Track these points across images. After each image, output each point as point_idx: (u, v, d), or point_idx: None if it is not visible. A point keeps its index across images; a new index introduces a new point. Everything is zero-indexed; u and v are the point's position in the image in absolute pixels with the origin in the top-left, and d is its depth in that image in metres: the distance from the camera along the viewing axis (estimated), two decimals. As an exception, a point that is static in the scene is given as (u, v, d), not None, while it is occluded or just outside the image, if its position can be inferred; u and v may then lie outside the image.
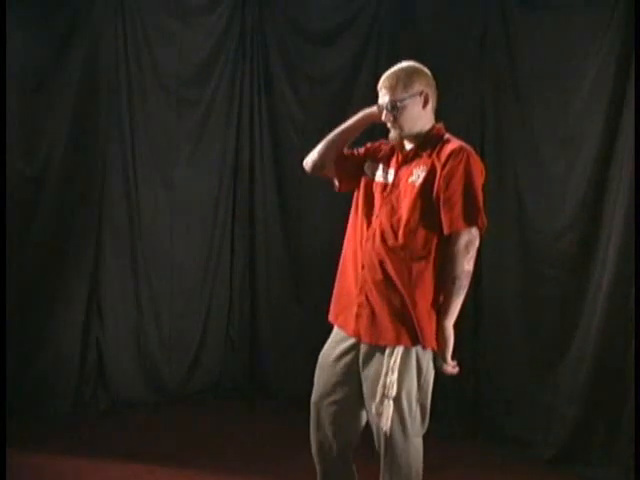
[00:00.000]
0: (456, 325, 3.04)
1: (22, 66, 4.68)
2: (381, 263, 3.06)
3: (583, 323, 4.38)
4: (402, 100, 3.06)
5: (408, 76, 3.08)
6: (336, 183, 3.35)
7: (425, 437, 3.10)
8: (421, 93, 3.07)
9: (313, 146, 5.62)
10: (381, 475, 3.13)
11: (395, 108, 3.06)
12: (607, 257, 4.24)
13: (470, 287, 3.08)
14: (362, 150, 3.31)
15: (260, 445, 4.64)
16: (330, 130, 3.31)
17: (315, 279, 5.58)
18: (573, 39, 4.48)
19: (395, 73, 3.11)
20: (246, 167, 5.58)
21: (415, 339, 3.02)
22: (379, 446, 3.09)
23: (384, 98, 3.10)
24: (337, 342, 3.21)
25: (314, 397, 3.26)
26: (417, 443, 3.09)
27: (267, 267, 5.67)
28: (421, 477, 3.14)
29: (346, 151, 3.33)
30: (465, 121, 4.78)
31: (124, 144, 5.08)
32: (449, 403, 4.79)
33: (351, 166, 3.28)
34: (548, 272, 4.58)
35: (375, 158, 3.24)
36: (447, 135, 3.13)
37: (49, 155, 4.84)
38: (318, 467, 3.29)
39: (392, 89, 3.07)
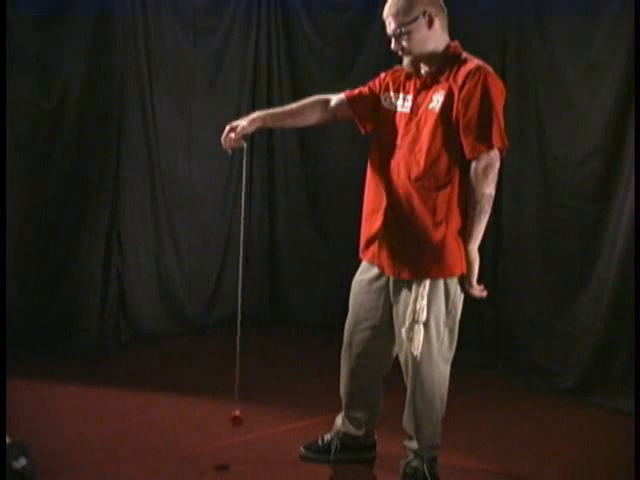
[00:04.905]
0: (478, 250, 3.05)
1: (37, 1, 4.60)
2: (406, 195, 3.04)
3: (604, 253, 4.34)
4: (406, 25, 3.00)
5: (407, 0, 3.02)
6: (359, 125, 3.31)
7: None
8: (424, 14, 3.00)
9: (330, 74, 5.57)
10: (407, 400, 3.18)
11: (401, 35, 3.02)
12: (629, 186, 4.16)
13: (490, 217, 3.06)
14: (376, 83, 3.26)
15: (278, 374, 4.70)
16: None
17: (333, 210, 5.59)
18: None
19: (394, 0, 3.05)
20: (264, 97, 5.50)
21: (440, 271, 3.02)
22: (406, 371, 3.13)
23: (390, 27, 3.06)
24: (368, 268, 3.23)
25: (348, 323, 3.30)
26: (444, 370, 3.12)
27: (286, 198, 5.67)
28: (445, 404, 3.19)
29: (359, 90, 3.28)
30: (487, 43, 4.64)
31: (141, 76, 5.02)
32: (468, 333, 4.77)
33: (369, 103, 3.24)
34: (568, 201, 4.52)
35: (391, 88, 3.19)
36: (464, 54, 3.07)
37: (66, 89, 4.78)
38: (345, 390, 3.34)
39: (394, 16, 3.03)
